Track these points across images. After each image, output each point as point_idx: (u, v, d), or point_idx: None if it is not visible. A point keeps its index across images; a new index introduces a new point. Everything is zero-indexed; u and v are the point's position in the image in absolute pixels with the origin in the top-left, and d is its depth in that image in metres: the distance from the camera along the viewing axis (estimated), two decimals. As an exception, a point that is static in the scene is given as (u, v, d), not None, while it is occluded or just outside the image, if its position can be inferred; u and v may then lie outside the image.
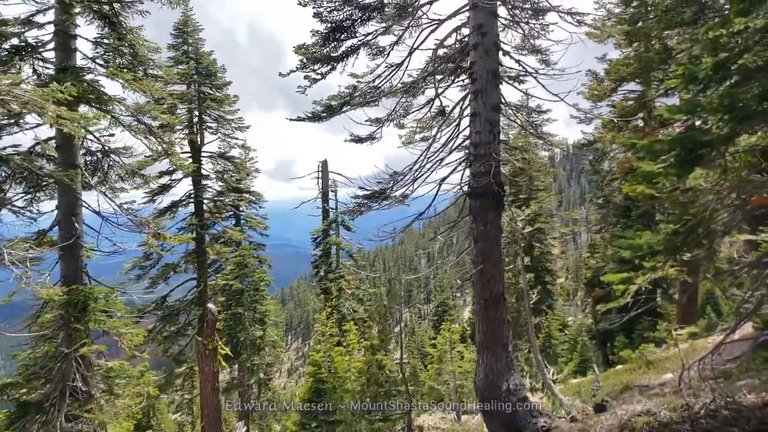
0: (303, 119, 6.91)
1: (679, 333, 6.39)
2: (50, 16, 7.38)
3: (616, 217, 20.61)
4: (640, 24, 13.27)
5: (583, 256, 43.23)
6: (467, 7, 6.75)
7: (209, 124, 20.69)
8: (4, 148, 6.84)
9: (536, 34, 7.39)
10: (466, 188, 6.92)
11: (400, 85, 7.21)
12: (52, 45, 7.39)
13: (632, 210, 19.37)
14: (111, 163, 8.33)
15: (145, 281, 18.77)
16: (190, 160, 20.02)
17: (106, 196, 8.07)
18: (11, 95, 4.82)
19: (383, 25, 6.65)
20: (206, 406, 13.76)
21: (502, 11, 6.93)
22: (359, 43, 6.68)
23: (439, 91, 7.40)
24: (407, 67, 7.14)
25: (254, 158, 23.44)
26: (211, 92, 20.31)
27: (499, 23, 6.99)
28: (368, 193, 7.07)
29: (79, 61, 7.68)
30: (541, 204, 23.65)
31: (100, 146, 8.21)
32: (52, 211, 7.66)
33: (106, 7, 7.55)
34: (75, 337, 6.80)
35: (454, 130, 7.09)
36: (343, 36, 6.53)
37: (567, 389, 10.01)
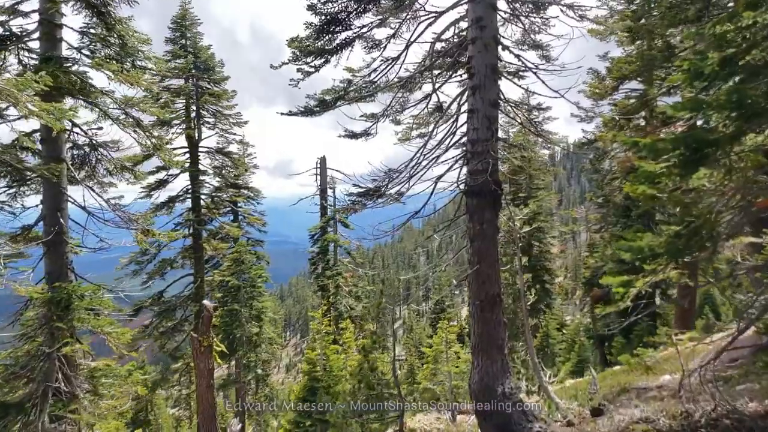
0: (295, 114, 6.72)
1: (680, 338, 6.24)
2: (35, 4, 7.22)
3: (616, 217, 20.45)
4: (642, 21, 13.07)
5: (582, 256, 43.10)
6: (466, 0, 6.55)
7: (207, 119, 20.50)
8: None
9: (537, 29, 7.20)
10: (463, 186, 6.75)
11: (396, 79, 7.02)
12: (37, 35, 7.20)
13: (632, 210, 19.21)
14: (99, 157, 8.14)
15: (142, 276, 18.67)
16: (188, 155, 19.87)
17: (93, 191, 7.88)
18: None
19: (379, 17, 6.46)
20: (201, 403, 13.63)
21: (501, 4, 6.75)
22: (354, 35, 6.49)
23: (437, 86, 7.21)
24: (404, 61, 6.95)
25: (252, 154, 23.30)
26: (209, 87, 20.09)
27: (498, 17, 6.81)
28: (362, 190, 6.90)
29: (65, 52, 7.48)
30: (540, 203, 23.50)
31: (88, 140, 8.02)
32: (37, 206, 7.49)
33: (95, -4, 7.36)
34: (57, 336, 6.62)
35: (452, 126, 6.90)
36: (337, 28, 6.34)
37: (563, 391, 9.87)
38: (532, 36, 7.29)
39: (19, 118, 6.57)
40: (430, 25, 6.88)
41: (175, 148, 19.44)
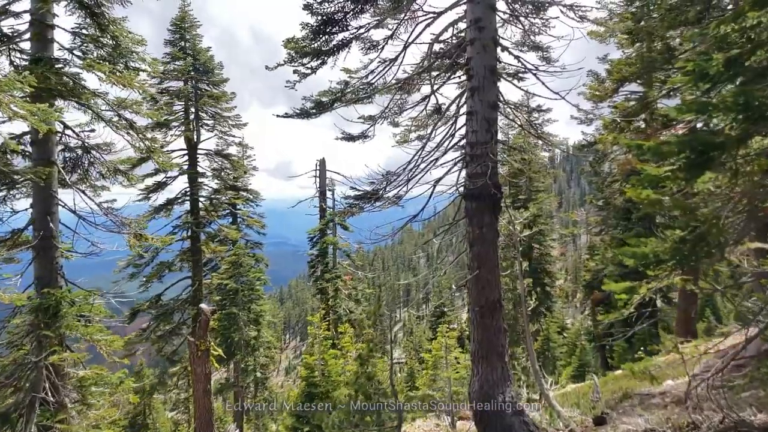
0: (291, 116, 6.61)
1: (685, 346, 6.10)
2: (26, 4, 7.10)
3: (616, 220, 20.38)
4: (642, 23, 12.98)
5: (583, 258, 42.98)
6: (464, 0, 6.44)
7: (206, 121, 20.44)
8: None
9: (537, 30, 7.08)
10: (462, 190, 6.62)
11: (394, 81, 6.90)
12: (28, 35, 7.07)
13: (632, 212, 19.12)
14: (92, 159, 8.00)
15: (140, 279, 18.56)
16: (187, 157, 19.78)
17: (85, 194, 7.74)
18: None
19: (377, 18, 6.34)
20: (198, 408, 13.50)
21: (501, 5, 6.64)
22: (351, 36, 6.38)
23: (435, 87, 7.09)
24: (402, 62, 6.84)
25: (252, 156, 23.25)
26: (208, 89, 20.04)
27: (498, 18, 6.70)
28: (360, 193, 6.78)
29: (57, 53, 7.36)
30: (540, 205, 23.39)
31: (80, 142, 7.89)
32: (27, 209, 7.34)
33: (88, -4, 7.24)
34: (45, 345, 6.47)
35: (450, 128, 6.78)
36: (334, 29, 6.23)
37: (565, 397, 9.74)
38: (531, 37, 7.18)
39: (4, 121, 6.44)
40: (428, 26, 6.76)
41: (173, 150, 19.39)
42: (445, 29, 6.91)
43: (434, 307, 39.18)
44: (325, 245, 22.70)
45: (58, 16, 7.39)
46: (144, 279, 18.77)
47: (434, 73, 7.14)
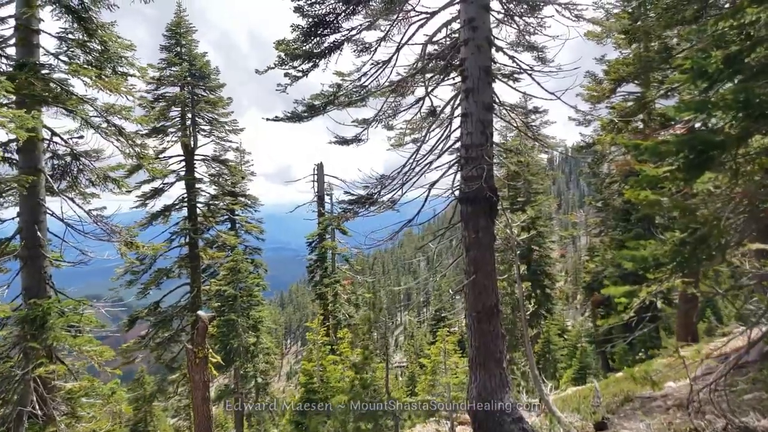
0: (282, 119, 6.49)
1: (686, 350, 6.00)
2: (11, 9, 6.97)
3: (615, 221, 20.26)
4: (639, 23, 12.91)
5: (583, 259, 42.83)
6: (458, 0, 6.34)
7: (202, 127, 20.34)
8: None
9: (532, 30, 6.99)
10: (458, 193, 6.50)
11: (387, 83, 6.79)
12: (13, 41, 6.95)
13: (632, 213, 19.00)
14: (81, 166, 7.88)
15: (138, 286, 18.43)
16: (184, 163, 19.67)
17: (74, 201, 7.60)
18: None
19: (369, 19, 6.24)
20: (197, 416, 13.35)
21: (495, 5, 6.55)
22: (343, 38, 6.27)
23: (429, 89, 6.98)
24: (395, 64, 6.73)
25: (250, 161, 23.14)
26: (205, 94, 19.96)
27: (492, 18, 6.61)
28: (354, 198, 6.66)
29: (43, 58, 7.25)
30: (540, 207, 23.28)
31: (68, 149, 7.76)
32: (14, 218, 7.20)
33: (75, 1, 7.11)
34: (32, 357, 6.32)
35: (445, 131, 6.68)
36: (326, 31, 6.12)
37: (565, 402, 9.59)
38: (527, 37, 7.08)
39: (-15, 131, 6.30)
40: (421, 26, 6.66)
41: (170, 157, 19.31)
42: (439, 30, 6.81)
43: (434, 310, 38.98)
44: (323, 250, 22.57)
45: (43, 20, 7.29)
46: (142, 286, 18.62)
47: (428, 75, 7.04)
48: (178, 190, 19.58)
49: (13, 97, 5.18)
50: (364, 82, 6.64)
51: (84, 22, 7.18)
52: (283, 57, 6.03)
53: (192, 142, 19.53)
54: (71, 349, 6.74)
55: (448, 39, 6.92)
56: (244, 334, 19.72)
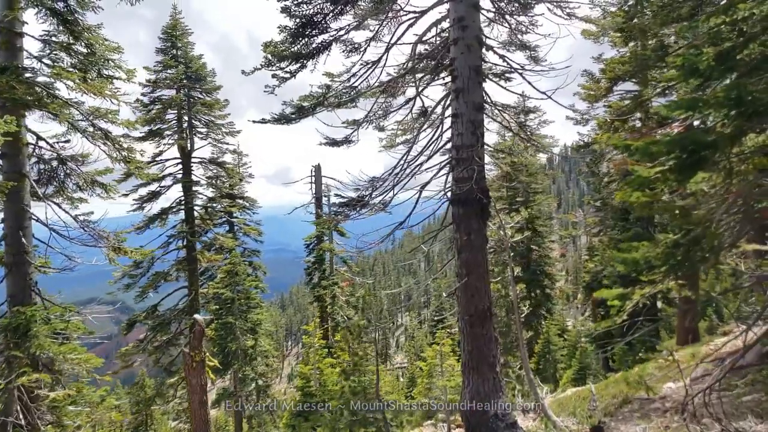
0: (269, 121, 6.39)
1: (681, 353, 5.90)
2: (-6, 13, 6.86)
3: (614, 220, 20.14)
4: (636, 20, 12.81)
5: (583, 259, 42.71)
6: (447, -1, 6.25)
7: (199, 129, 20.25)
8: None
9: (524, 29, 6.89)
10: (450, 194, 6.40)
11: (377, 84, 6.69)
12: (-3, 44, 6.87)
13: (630, 213, 18.89)
14: (68, 171, 7.78)
15: (135, 290, 18.36)
16: (180, 166, 19.60)
17: (60, 207, 7.50)
18: None
19: (357, 19, 6.14)
20: (194, 420, 13.26)
21: (486, 3, 6.45)
22: (331, 38, 6.17)
23: (420, 89, 6.88)
24: (385, 64, 6.63)
25: (248, 163, 23.04)
26: (201, 97, 19.88)
27: (483, 17, 6.51)
28: (345, 200, 6.56)
29: (26, 61, 7.15)
30: (539, 207, 23.17)
31: (55, 153, 7.66)
32: (-2, 224, 7.11)
33: (60, 4, 7.02)
34: (15, 365, 6.22)
35: (437, 131, 6.57)
36: (314, 32, 6.02)
37: (564, 404, 9.48)
38: (519, 36, 6.98)
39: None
40: (411, 26, 6.56)
41: (167, 159, 19.24)
42: (429, 29, 6.71)
43: (431, 312, 38.89)
44: (321, 252, 22.48)
45: (27, 23, 7.19)
46: (140, 289, 18.55)
47: (419, 75, 6.94)
48: (176, 192, 19.53)
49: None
50: (354, 83, 6.55)
51: (69, 24, 7.09)
52: (270, 58, 5.94)
53: (189, 145, 19.44)
54: (55, 358, 6.64)
55: (438, 38, 6.83)
56: (242, 337, 19.64)
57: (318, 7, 5.89)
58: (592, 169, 19.56)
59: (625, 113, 13.39)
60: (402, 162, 6.50)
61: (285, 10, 5.83)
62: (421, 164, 6.43)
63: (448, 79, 6.62)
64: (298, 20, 5.91)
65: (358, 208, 6.53)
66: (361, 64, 6.55)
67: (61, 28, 7.17)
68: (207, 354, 12.81)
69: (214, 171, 21.02)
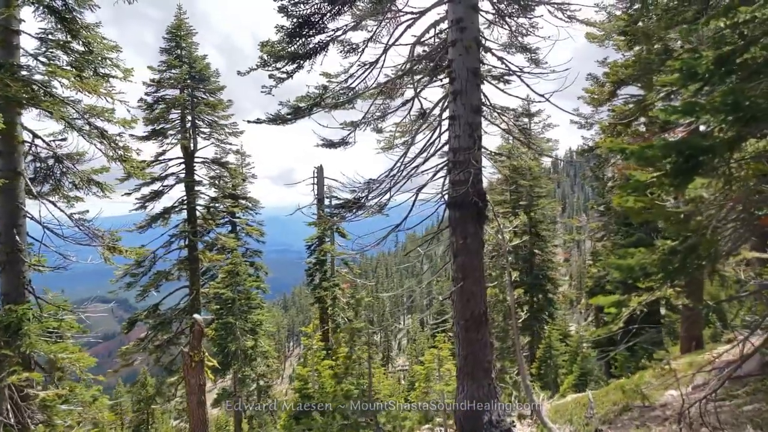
0: (264, 121, 6.36)
1: (678, 362, 5.80)
2: (-10, 11, 6.85)
3: (617, 225, 20.00)
4: (640, 24, 12.70)
5: (586, 264, 42.44)
6: (446, 0, 6.18)
7: (202, 129, 20.29)
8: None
9: (524, 31, 6.82)
10: (446, 197, 6.33)
11: (375, 85, 6.64)
12: (-7, 42, 6.86)
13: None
14: (64, 169, 7.78)
15: (137, 289, 18.41)
16: (183, 165, 19.63)
17: (56, 205, 7.49)
18: None
19: (355, 20, 6.09)
20: (193, 419, 13.24)
21: (485, 5, 6.40)
22: (328, 39, 6.13)
23: (418, 90, 6.82)
24: (383, 65, 6.58)
25: (251, 164, 23.07)
26: (205, 97, 19.91)
27: (483, 19, 6.45)
28: (341, 202, 6.50)
29: (22, 59, 7.14)
30: (542, 211, 23.04)
31: (51, 152, 7.66)
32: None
33: (58, 2, 7.01)
34: (5, 364, 6.19)
35: (434, 133, 6.51)
36: (311, 32, 5.98)
37: (563, 410, 9.37)
38: (519, 38, 6.91)
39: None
40: (409, 27, 6.51)
41: (170, 159, 19.28)
42: (427, 30, 6.65)
43: (432, 314, 38.74)
44: (323, 253, 22.44)
45: (25, 21, 7.19)
46: (141, 288, 18.60)
47: (417, 76, 6.88)
48: (178, 192, 19.57)
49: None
50: (352, 84, 6.50)
51: (67, 22, 7.09)
52: (266, 58, 5.90)
53: (192, 145, 19.49)
54: (53, 358, 6.61)
55: (436, 39, 6.77)
56: (242, 337, 19.62)
57: (315, 6, 5.85)
58: (596, 173, 19.45)
59: (629, 117, 13.28)
60: (399, 164, 6.44)
61: (282, 9, 5.79)
62: (418, 166, 6.37)
63: (447, 80, 6.56)
64: (295, 20, 5.87)
65: (354, 210, 6.48)
66: (359, 65, 6.50)
67: (58, 26, 7.17)
68: (206, 354, 12.80)
69: (217, 171, 21.05)
